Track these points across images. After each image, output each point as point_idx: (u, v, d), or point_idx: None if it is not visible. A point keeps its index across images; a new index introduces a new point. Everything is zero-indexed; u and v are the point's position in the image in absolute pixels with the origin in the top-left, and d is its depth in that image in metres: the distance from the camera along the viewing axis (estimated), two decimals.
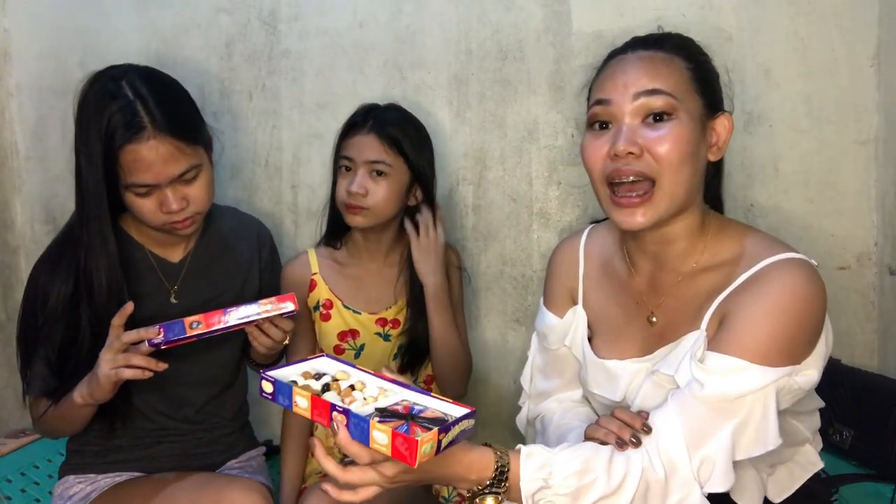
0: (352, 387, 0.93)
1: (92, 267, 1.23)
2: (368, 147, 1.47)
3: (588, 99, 1.06)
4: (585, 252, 1.18)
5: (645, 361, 1.06)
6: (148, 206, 1.22)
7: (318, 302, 1.55)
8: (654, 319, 1.07)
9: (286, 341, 1.31)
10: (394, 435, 0.79)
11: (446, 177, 1.83)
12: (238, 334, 1.42)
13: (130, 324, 1.30)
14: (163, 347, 1.16)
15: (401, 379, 0.96)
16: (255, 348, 1.31)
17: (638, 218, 0.98)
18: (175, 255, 1.37)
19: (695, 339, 0.99)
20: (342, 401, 0.88)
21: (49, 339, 1.26)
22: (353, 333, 1.54)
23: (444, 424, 0.82)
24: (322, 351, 1.54)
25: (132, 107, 1.17)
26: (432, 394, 0.93)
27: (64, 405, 1.25)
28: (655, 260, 1.08)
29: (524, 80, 1.77)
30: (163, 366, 1.18)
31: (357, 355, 1.54)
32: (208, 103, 1.88)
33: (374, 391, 0.93)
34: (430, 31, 1.80)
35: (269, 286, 1.49)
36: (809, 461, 1.08)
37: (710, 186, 1.10)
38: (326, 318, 1.54)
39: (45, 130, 1.96)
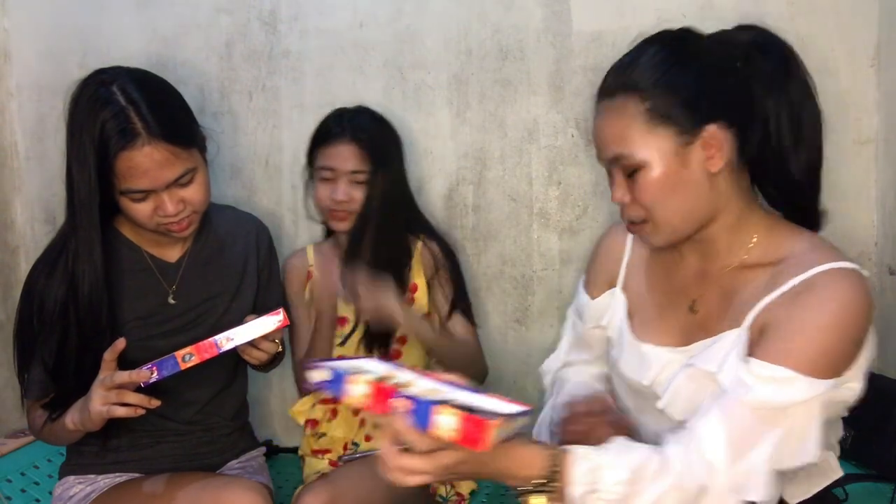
0: (399, 385, 0.87)
1: (78, 273, 1.23)
2: (349, 157, 1.50)
3: None
4: (634, 238, 1.19)
5: (681, 352, 1.05)
6: (144, 210, 1.22)
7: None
8: (697, 309, 1.07)
9: (279, 349, 1.30)
10: (465, 418, 0.74)
11: (446, 177, 1.83)
12: None
13: (132, 323, 1.31)
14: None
15: (452, 379, 0.91)
16: (248, 361, 1.31)
17: (650, 241, 1.05)
18: (172, 255, 1.37)
19: (735, 336, 0.98)
20: None
21: (46, 343, 1.26)
22: (342, 321, 1.57)
23: (508, 415, 0.79)
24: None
25: (125, 113, 1.16)
26: (488, 393, 0.88)
27: (57, 425, 1.26)
28: (701, 252, 1.08)
29: (524, 80, 1.77)
30: (155, 403, 1.18)
31: (343, 342, 1.56)
32: (208, 103, 1.88)
33: (423, 389, 0.87)
34: (430, 31, 1.80)
35: (268, 284, 1.49)
36: (830, 467, 1.08)
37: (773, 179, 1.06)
38: None
39: (45, 130, 1.95)
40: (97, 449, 1.35)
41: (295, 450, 1.82)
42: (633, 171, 1.00)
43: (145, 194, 1.20)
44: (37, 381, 1.28)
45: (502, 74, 1.78)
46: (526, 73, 1.77)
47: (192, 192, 1.24)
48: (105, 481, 1.34)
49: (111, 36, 1.90)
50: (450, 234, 1.79)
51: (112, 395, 1.16)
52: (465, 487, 1.56)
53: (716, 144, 0.99)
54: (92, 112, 1.17)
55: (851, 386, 0.97)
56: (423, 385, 0.87)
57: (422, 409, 0.76)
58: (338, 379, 0.84)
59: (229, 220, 1.47)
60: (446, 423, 0.75)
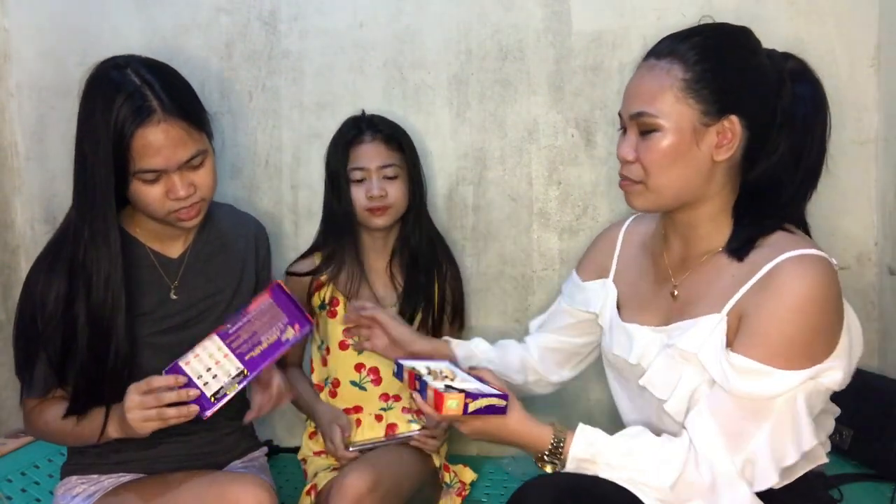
0: (445, 376, 1.14)
1: (91, 260, 1.24)
2: (377, 153, 1.58)
3: None
4: (625, 234, 1.28)
5: (660, 332, 1.12)
6: (155, 193, 1.23)
7: (323, 300, 1.60)
8: (677, 293, 1.13)
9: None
10: (434, 392, 1.04)
11: (446, 177, 1.83)
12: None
13: (136, 318, 1.32)
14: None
15: (487, 378, 1.14)
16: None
17: (634, 201, 1.11)
18: (174, 250, 1.38)
19: (715, 323, 1.03)
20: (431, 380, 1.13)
21: (51, 340, 1.26)
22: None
23: (472, 394, 1.05)
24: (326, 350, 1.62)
25: (141, 92, 1.19)
26: (499, 389, 1.10)
27: (86, 429, 1.26)
28: (684, 239, 1.14)
29: (524, 80, 1.77)
30: (194, 395, 1.20)
31: (361, 351, 1.58)
32: (208, 103, 1.84)
33: (458, 381, 1.13)
34: (430, 31, 1.80)
35: (265, 285, 1.50)
36: (815, 455, 1.10)
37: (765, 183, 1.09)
38: (333, 314, 1.60)
39: (45, 130, 1.95)
40: (100, 449, 1.34)
41: (295, 450, 1.82)
42: (648, 131, 1.05)
43: (157, 175, 1.21)
44: (41, 378, 1.28)
45: (502, 74, 1.78)
46: (526, 73, 1.77)
47: (202, 177, 1.25)
48: (109, 481, 1.34)
49: (111, 36, 1.90)
50: (449, 234, 1.79)
51: (150, 399, 1.17)
52: (467, 476, 1.60)
53: (730, 135, 1.04)
54: (107, 94, 1.19)
55: (832, 374, 1.00)
56: (459, 377, 1.14)
57: (423, 387, 1.08)
58: (400, 369, 1.14)
59: (230, 217, 1.48)
60: (428, 395, 1.06)
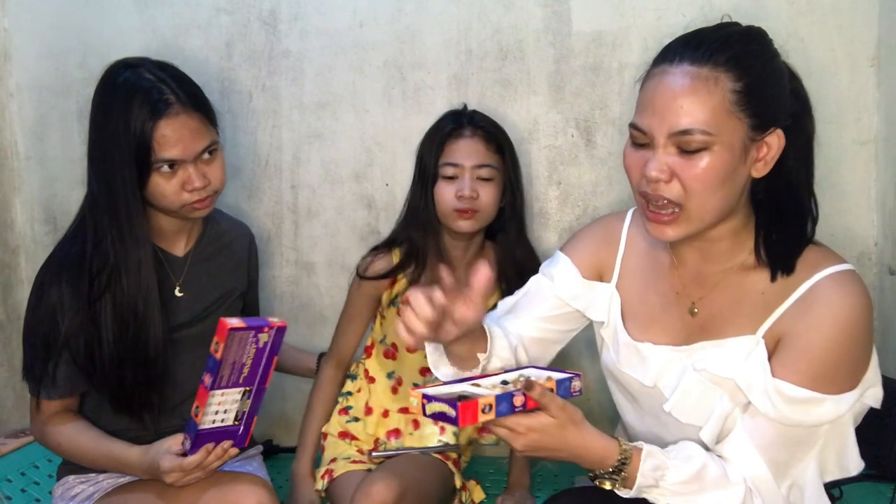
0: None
1: (118, 254, 1.26)
2: (475, 151, 1.48)
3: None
4: (628, 235, 1.16)
5: (680, 351, 1.05)
6: (172, 186, 1.26)
7: (396, 296, 1.54)
8: (696, 311, 1.06)
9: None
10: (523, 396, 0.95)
11: None
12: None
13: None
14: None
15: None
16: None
17: (668, 232, 0.99)
18: (179, 248, 1.40)
19: (750, 346, 0.99)
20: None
21: (75, 339, 1.27)
22: None
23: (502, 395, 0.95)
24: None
25: (158, 87, 1.24)
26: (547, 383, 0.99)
27: (108, 463, 1.29)
28: (701, 253, 1.06)
29: (524, 80, 1.78)
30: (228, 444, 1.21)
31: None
32: None
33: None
34: (430, 31, 1.80)
35: (250, 289, 1.55)
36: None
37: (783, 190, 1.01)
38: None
39: (45, 130, 1.96)
40: None
41: (294, 450, 1.82)
42: (695, 150, 0.93)
43: (175, 167, 1.25)
44: (64, 379, 1.28)
45: (502, 74, 1.78)
46: (526, 73, 1.77)
47: (215, 170, 1.30)
48: (108, 481, 1.34)
49: (111, 36, 1.90)
50: None
51: (196, 471, 1.19)
52: (478, 496, 1.56)
53: (772, 150, 0.96)
54: (125, 92, 1.24)
55: (874, 390, 0.99)
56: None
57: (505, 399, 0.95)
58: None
59: (229, 221, 1.52)
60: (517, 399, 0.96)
